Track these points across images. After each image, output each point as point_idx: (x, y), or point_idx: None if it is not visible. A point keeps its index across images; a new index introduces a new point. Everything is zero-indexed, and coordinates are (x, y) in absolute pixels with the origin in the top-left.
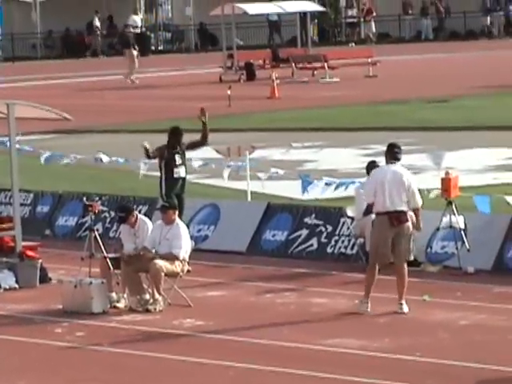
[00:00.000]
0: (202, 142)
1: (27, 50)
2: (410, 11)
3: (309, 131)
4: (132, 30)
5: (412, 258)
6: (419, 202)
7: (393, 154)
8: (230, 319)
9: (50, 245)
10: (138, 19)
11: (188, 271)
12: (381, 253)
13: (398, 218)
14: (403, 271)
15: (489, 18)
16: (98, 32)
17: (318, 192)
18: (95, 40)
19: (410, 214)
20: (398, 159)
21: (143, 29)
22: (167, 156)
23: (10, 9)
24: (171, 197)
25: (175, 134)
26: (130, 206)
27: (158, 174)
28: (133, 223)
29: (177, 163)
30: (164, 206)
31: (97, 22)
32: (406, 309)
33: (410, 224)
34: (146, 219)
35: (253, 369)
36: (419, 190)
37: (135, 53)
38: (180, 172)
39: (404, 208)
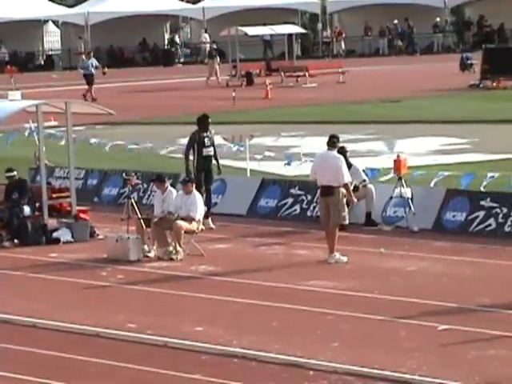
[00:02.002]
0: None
1: (81, 61)
2: (370, 33)
3: (294, 124)
4: (203, 44)
5: (346, 222)
6: (344, 179)
7: (332, 142)
8: (234, 266)
9: (97, 209)
10: (207, 36)
11: (202, 230)
12: (321, 218)
13: (326, 190)
14: (331, 232)
15: (400, 41)
16: (178, 46)
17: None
18: (176, 52)
19: (342, 190)
20: (335, 147)
21: (169, 46)
22: (198, 139)
23: (68, 30)
24: (201, 172)
25: (204, 119)
26: (165, 177)
27: (180, 156)
28: (163, 190)
29: (206, 144)
30: (185, 180)
31: (177, 39)
32: (332, 260)
33: (337, 197)
34: (173, 190)
35: (251, 303)
36: (375, 168)
37: (216, 62)
38: (209, 151)
39: (334, 184)
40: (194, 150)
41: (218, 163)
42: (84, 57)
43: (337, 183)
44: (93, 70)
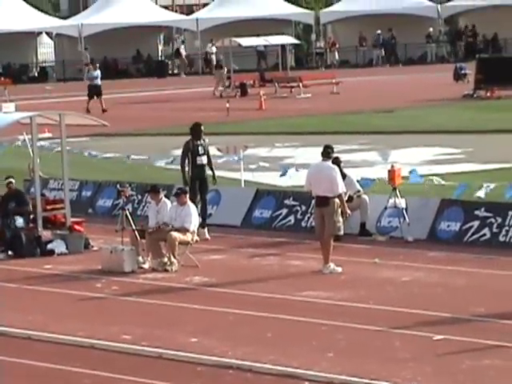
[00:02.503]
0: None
1: (75, 72)
2: (364, 44)
3: (288, 134)
4: (210, 55)
5: (341, 233)
6: (338, 190)
7: (326, 153)
8: (228, 277)
9: (91, 221)
10: (213, 48)
11: (196, 241)
12: (315, 229)
13: (321, 201)
14: (326, 242)
15: (383, 50)
16: (184, 56)
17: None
18: (181, 62)
19: (337, 200)
20: (330, 157)
21: (162, 57)
22: (192, 148)
23: (62, 42)
24: (195, 180)
25: (197, 128)
26: (159, 188)
27: (174, 167)
28: (158, 201)
29: (200, 153)
30: (177, 193)
31: (182, 49)
32: (326, 271)
33: (332, 207)
34: (168, 201)
35: (246, 314)
36: (369, 178)
37: (223, 72)
38: (202, 160)
39: (329, 195)
40: (188, 159)
41: (214, 173)
42: (91, 67)
43: (332, 193)
44: (99, 81)
